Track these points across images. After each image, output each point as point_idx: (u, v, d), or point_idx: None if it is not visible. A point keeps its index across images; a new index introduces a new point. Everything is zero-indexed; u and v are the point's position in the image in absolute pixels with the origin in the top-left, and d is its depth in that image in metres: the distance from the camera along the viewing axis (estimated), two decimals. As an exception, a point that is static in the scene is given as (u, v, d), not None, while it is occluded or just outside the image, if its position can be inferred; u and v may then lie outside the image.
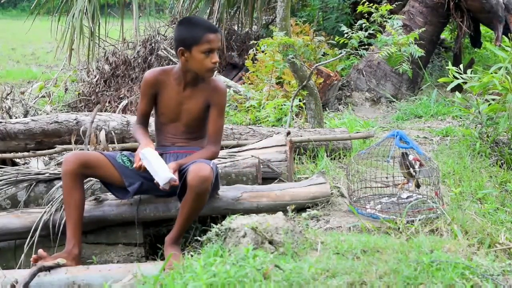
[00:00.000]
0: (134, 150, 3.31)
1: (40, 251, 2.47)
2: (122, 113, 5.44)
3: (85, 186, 2.83)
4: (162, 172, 2.51)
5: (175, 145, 2.78)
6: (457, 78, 3.92)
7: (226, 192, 2.79)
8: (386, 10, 4.02)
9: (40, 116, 3.92)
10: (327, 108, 5.83)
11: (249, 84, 6.02)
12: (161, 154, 2.69)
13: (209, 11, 7.28)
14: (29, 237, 2.68)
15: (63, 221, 2.67)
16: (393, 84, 6.44)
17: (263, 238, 2.05)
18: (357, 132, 4.33)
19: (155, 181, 2.54)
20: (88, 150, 3.25)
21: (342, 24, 4.85)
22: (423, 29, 5.44)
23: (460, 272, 1.86)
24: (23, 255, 2.68)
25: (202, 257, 1.97)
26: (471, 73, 3.99)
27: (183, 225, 2.56)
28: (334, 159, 3.81)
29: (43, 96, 6.89)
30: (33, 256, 2.45)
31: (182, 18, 2.84)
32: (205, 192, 2.47)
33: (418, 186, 2.97)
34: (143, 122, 2.86)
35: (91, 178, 2.88)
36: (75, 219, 2.56)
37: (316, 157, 3.71)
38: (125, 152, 2.77)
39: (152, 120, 2.93)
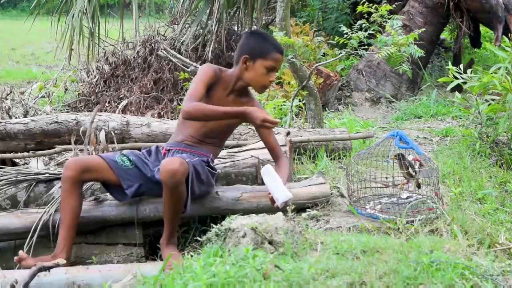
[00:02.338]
0: (133, 150, 3.31)
1: (21, 252, 2.47)
2: (122, 113, 5.44)
3: (85, 186, 2.85)
4: (283, 191, 2.50)
5: (184, 142, 2.75)
6: (457, 78, 3.91)
7: (226, 192, 2.79)
8: (386, 10, 4.03)
9: (40, 116, 3.92)
10: (327, 108, 5.83)
11: (249, 84, 6.01)
12: (168, 150, 2.69)
13: (209, 11, 7.26)
14: (28, 237, 2.68)
15: (62, 222, 2.67)
16: (393, 84, 6.44)
17: (263, 238, 2.05)
18: (357, 132, 4.33)
19: (271, 196, 2.52)
20: (88, 150, 3.25)
21: (341, 25, 4.85)
22: (423, 29, 5.44)
23: (460, 272, 1.86)
24: (23, 255, 2.67)
25: (202, 257, 1.97)
26: (471, 73, 3.98)
27: (170, 223, 2.56)
28: (334, 159, 3.81)
29: (43, 96, 6.88)
30: (15, 258, 2.45)
31: (254, 30, 2.85)
32: (177, 185, 2.43)
33: (419, 186, 2.97)
34: None
35: (91, 179, 2.87)
36: (68, 224, 2.56)
37: (316, 157, 3.71)
38: (125, 151, 2.77)
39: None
